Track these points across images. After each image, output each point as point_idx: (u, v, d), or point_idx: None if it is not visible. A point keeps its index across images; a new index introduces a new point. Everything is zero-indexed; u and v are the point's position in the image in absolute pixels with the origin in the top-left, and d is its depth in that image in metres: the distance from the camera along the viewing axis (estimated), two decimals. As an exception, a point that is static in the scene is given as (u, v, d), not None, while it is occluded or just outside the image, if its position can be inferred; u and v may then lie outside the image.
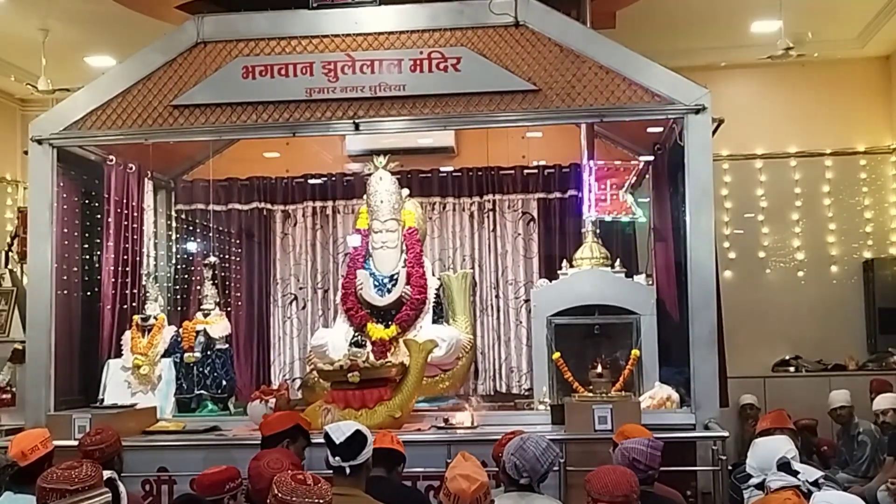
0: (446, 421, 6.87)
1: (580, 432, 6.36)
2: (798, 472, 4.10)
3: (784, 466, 4.13)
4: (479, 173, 9.61)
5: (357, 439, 4.54)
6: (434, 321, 7.84)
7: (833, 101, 10.74)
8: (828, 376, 9.99)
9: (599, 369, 7.25)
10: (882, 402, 7.89)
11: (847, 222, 10.75)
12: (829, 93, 10.74)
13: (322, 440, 4.65)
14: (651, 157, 8.31)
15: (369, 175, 8.04)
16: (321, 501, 3.46)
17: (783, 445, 5.13)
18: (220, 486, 4.64)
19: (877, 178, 10.76)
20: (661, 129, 7.94)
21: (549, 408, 7.04)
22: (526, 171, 9.57)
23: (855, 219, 10.76)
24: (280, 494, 3.47)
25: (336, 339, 7.69)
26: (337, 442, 4.50)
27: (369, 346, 7.40)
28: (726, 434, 6.39)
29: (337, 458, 4.48)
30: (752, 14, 9.55)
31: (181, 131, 7.50)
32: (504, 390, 9.33)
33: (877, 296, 10.47)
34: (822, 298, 10.68)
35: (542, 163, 9.59)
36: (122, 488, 4.21)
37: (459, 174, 9.66)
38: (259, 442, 5.52)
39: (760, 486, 4.61)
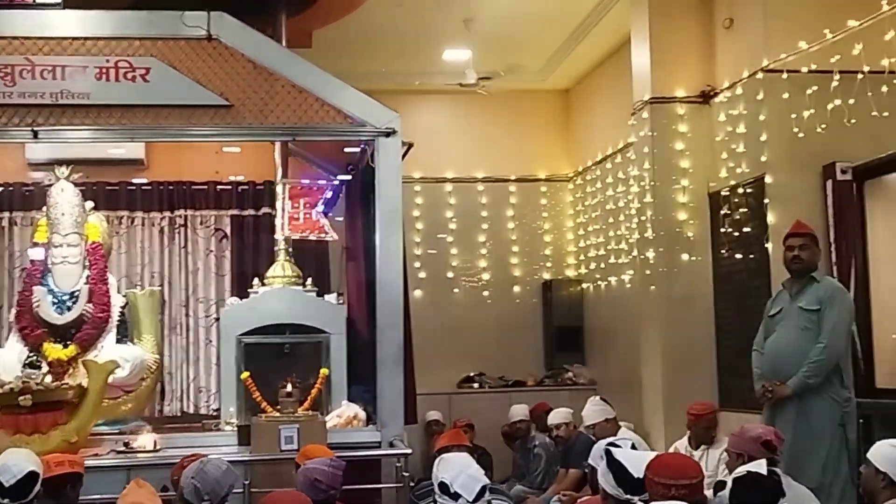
0: (127, 445, 6.61)
1: (266, 453, 6.30)
2: (459, 496, 4.20)
3: (442, 487, 4.23)
4: (171, 188, 9.36)
5: (30, 480, 4.36)
6: (118, 340, 7.51)
7: (518, 129, 11.34)
8: (509, 392, 10.49)
9: (289, 389, 7.19)
10: (556, 416, 8.33)
11: (529, 245, 11.36)
12: (515, 121, 11.32)
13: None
14: (348, 177, 8.41)
15: (50, 186, 7.62)
16: None
17: (466, 463, 5.30)
18: None
19: (556, 203, 11.45)
20: (357, 150, 8.05)
21: (235, 428, 6.93)
22: (219, 186, 9.43)
23: (536, 242, 11.39)
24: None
25: (8, 360, 7.21)
26: (7, 485, 4.24)
27: (45, 367, 7.01)
28: (409, 451, 6.53)
29: (6, 500, 4.22)
30: (445, 42, 9.90)
31: None
32: (192, 411, 9.11)
33: (554, 315, 11.11)
34: (506, 317, 11.21)
35: (239, 178, 9.48)
36: None
37: (150, 188, 9.37)
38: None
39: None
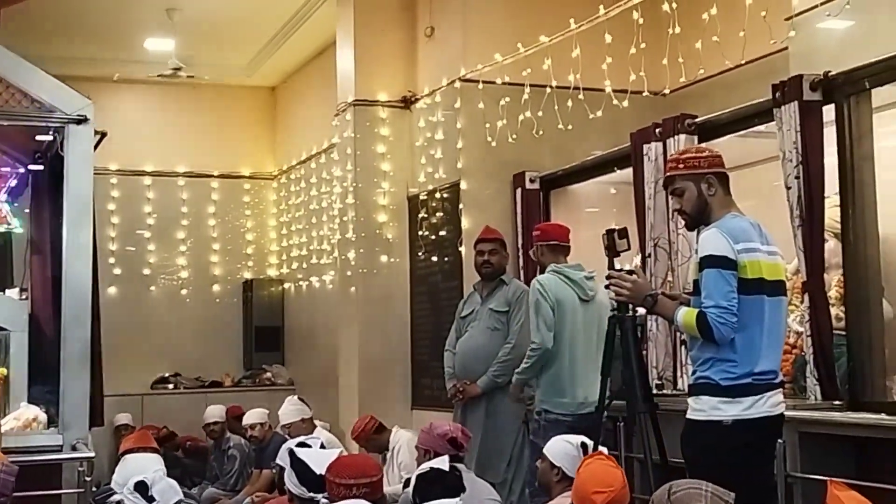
0: None
1: (-69, 460, 5.83)
2: (154, 499, 4.11)
3: (139, 487, 4.11)
4: None
5: None
6: None
7: (222, 125, 11.14)
8: (205, 393, 10.28)
9: (-39, 390, 6.74)
10: (251, 416, 8.24)
11: (231, 243, 11.20)
12: (218, 117, 11.12)
13: None
14: (40, 167, 7.92)
15: None
16: None
17: (151, 464, 5.15)
18: None
19: (259, 202, 11.36)
20: (51, 138, 7.61)
21: None
22: None
23: (238, 240, 11.25)
24: None
25: None
26: None
27: None
28: (92, 455, 6.24)
29: None
30: (146, 31, 9.57)
31: None
32: None
33: (254, 315, 11.02)
34: (205, 317, 10.99)
35: None
36: None
37: None
38: None
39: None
